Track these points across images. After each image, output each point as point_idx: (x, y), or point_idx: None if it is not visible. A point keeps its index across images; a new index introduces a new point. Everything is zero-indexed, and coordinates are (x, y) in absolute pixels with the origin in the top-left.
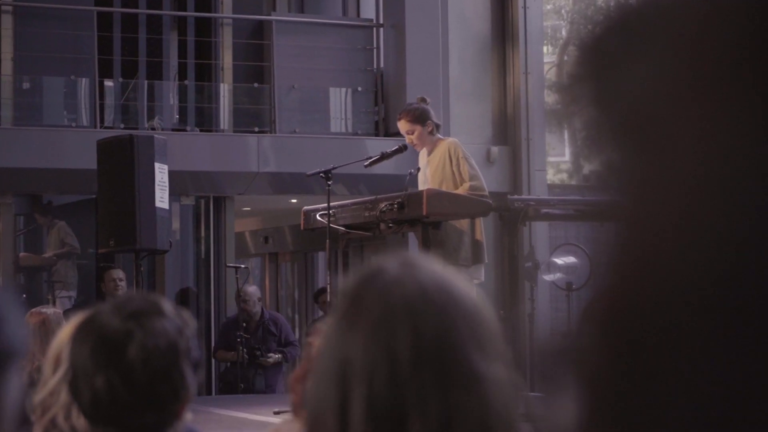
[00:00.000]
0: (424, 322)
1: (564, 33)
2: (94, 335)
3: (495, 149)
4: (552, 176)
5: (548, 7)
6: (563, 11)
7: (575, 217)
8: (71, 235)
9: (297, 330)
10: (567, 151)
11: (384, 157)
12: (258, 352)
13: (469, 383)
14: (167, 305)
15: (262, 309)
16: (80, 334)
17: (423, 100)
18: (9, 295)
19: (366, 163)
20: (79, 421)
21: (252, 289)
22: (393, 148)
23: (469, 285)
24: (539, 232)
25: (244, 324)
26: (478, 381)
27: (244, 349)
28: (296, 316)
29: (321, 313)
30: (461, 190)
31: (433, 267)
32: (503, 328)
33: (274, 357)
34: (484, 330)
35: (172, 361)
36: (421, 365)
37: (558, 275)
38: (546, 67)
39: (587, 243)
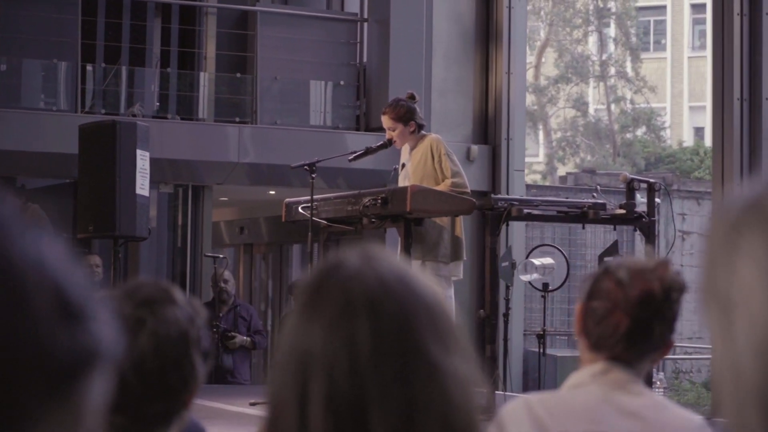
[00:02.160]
0: (384, 315)
1: (542, 35)
2: None
3: (475, 147)
4: (525, 177)
5: (528, 8)
6: (542, 12)
7: (558, 219)
8: (45, 218)
9: (269, 321)
10: (541, 152)
11: (368, 152)
12: (230, 334)
13: (430, 375)
14: (178, 293)
15: (234, 295)
16: None
17: (412, 97)
18: (101, 291)
19: (350, 158)
20: None
21: (228, 274)
22: (378, 144)
23: (429, 279)
24: (516, 232)
25: (219, 305)
26: (439, 373)
27: (217, 333)
28: (269, 308)
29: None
30: (442, 187)
31: (393, 260)
32: (477, 329)
33: (242, 338)
34: (444, 323)
35: (182, 349)
36: (381, 357)
37: (535, 276)
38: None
39: (563, 244)
